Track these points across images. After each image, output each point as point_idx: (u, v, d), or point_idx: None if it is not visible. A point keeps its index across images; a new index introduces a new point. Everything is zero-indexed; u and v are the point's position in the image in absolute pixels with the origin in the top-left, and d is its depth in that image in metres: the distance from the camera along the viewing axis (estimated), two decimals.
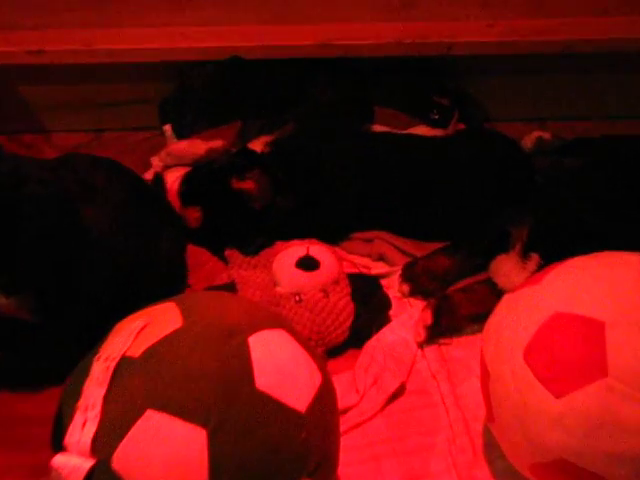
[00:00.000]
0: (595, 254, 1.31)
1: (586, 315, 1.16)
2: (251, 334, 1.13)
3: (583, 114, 2.34)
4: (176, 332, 1.12)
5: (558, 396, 1.14)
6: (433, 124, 2.14)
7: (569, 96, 2.33)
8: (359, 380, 1.55)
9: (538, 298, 1.25)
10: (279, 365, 1.13)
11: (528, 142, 2.16)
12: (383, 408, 1.52)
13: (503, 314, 1.30)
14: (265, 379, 1.09)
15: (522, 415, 1.19)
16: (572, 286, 1.23)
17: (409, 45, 2.13)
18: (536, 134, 2.17)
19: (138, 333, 1.13)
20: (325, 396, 1.17)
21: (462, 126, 2.23)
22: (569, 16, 2.19)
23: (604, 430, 1.11)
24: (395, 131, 2.08)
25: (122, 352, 1.11)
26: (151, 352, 1.10)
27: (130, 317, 1.20)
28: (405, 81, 2.20)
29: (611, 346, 1.12)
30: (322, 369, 1.20)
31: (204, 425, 1.04)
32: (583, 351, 1.14)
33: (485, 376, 1.30)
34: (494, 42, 2.15)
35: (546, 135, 2.18)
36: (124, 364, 1.10)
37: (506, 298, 1.34)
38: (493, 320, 1.32)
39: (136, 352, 1.10)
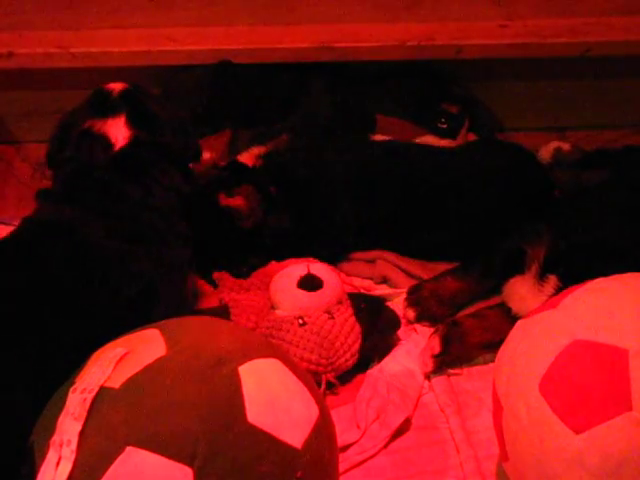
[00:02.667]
0: (618, 276, 1.31)
1: (608, 343, 1.16)
2: (242, 363, 1.13)
3: (605, 123, 2.36)
4: (160, 361, 1.12)
5: (578, 432, 1.14)
6: (441, 134, 2.16)
7: (590, 103, 2.35)
8: (360, 414, 1.56)
9: (555, 324, 1.25)
10: (272, 397, 1.13)
11: (545, 153, 2.18)
12: (387, 445, 1.53)
13: (517, 342, 1.31)
14: (257, 412, 1.09)
15: (538, 453, 1.19)
16: (592, 311, 1.23)
17: (414, 48, 2.14)
18: (554, 145, 2.19)
19: (118, 362, 1.13)
20: (323, 431, 1.17)
21: (472, 136, 2.25)
22: (590, 16, 2.21)
23: (629, 469, 1.11)
24: (399, 142, 2.09)
25: (100, 382, 1.11)
26: (132, 382, 1.10)
27: (108, 345, 1.20)
28: (410, 87, 2.21)
29: (636, 377, 1.12)
30: (319, 401, 1.21)
31: (190, 463, 1.03)
32: (605, 382, 1.14)
33: (498, 410, 1.30)
34: (507, 44, 2.17)
35: (565, 146, 2.20)
36: (103, 395, 1.10)
37: (520, 324, 1.34)
38: (506, 348, 1.33)
39: (116, 382, 1.10)
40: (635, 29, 2.19)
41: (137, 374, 1.11)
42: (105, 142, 1.56)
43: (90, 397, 1.09)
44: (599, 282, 1.31)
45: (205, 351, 1.15)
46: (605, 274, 1.32)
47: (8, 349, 1.25)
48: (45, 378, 1.22)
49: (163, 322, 1.26)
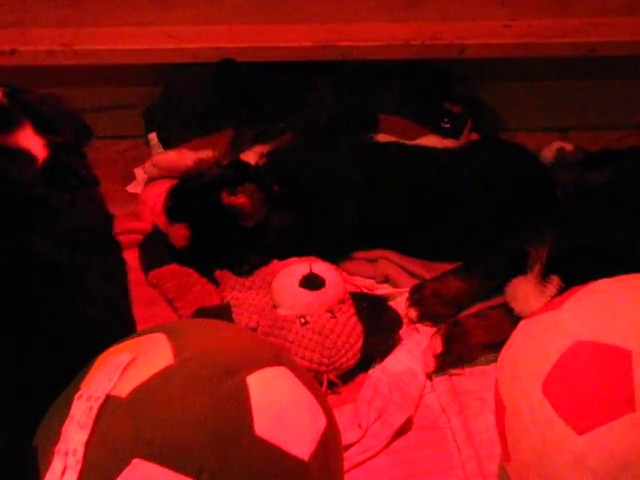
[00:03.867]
0: (621, 276, 1.31)
1: (611, 344, 1.16)
2: (250, 373, 1.12)
3: (609, 123, 2.36)
4: (167, 370, 1.10)
5: (580, 433, 1.14)
6: (444, 134, 2.16)
7: (593, 103, 2.35)
8: (362, 414, 1.56)
9: (558, 325, 1.25)
10: (281, 408, 1.11)
11: (548, 154, 2.18)
12: (388, 445, 1.53)
13: (519, 342, 1.30)
14: (265, 424, 1.08)
15: (541, 454, 1.19)
16: (595, 311, 1.23)
17: (417, 47, 2.15)
18: (557, 145, 2.19)
19: (125, 369, 1.11)
20: (330, 441, 1.17)
21: (476, 136, 2.25)
22: (595, 16, 2.21)
23: (632, 471, 1.11)
24: (402, 141, 2.09)
25: (107, 391, 1.09)
26: (139, 393, 1.08)
27: (113, 348, 1.18)
28: (413, 86, 2.22)
29: (639, 378, 1.12)
30: (326, 410, 1.19)
31: (197, 476, 1.02)
32: (608, 383, 1.14)
33: (500, 411, 1.29)
34: (511, 44, 2.17)
35: (568, 146, 2.20)
36: (109, 405, 1.08)
37: (523, 324, 1.34)
38: (509, 349, 1.32)
39: (122, 391, 1.08)
40: (637, 29, 2.19)
41: (144, 383, 1.09)
42: (26, 155, 1.47)
43: (97, 406, 1.07)
44: (602, 283, 1.31)
45: (213, 360, 1.13)
46: (608, 275, 1.32)
47: None
48: None
49: (169, 325, 1.25)
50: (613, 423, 1.11)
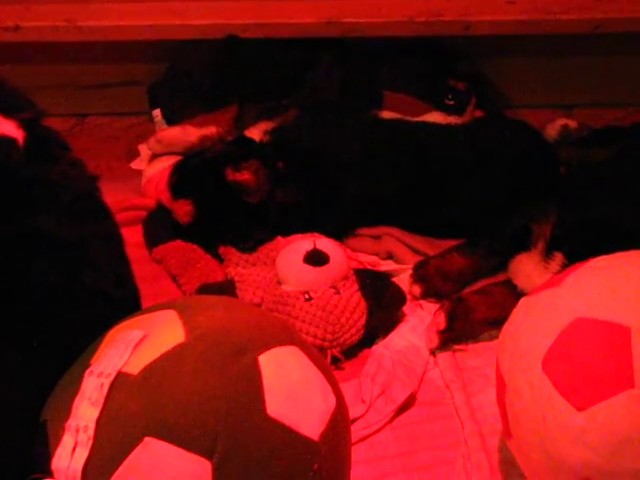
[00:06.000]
0: (621, 253, 1.31)
1: (610, 320, 1.16)
2: (261, 352, 1.11)
3: (613, 100, 2.36)
4: (178, 348, 1.10)
5: (580, 409, 1.14)
6: (448, 110, 2.16)
7: (598, 81, 2.34)
8: (365, 389, 1.57)
9: (558, 302, 1.25)
10: (292, 388, 1.11)
11: (552, 131, 2.18)
12: (392, 420, 1.54)
13: (520, 320, 1.30)
14: (277, 405, 1.08)
15: (541, 430, 1.19)
16: (595, 288, 1.23)
17: (422, 24, 2.14)
18: (561, 122, 2.19)
19: (136, 346, 1.11)
20: (339, 421, 1.17)
21: (480, 113, 2.25)
22: None
23: (631, 446, 1.11)
24: (406, 118, 2.09)
25: (118, 367, 1.08)
26: (151, 370, 1.07)
27: (124, 323, 1.18)
28: (417, 63, 2.21)
29: (638, 354, 1.12)
30: (336, 390, 1.19)
31: (209, 456, 1.02)
32: (607, 360, 1.14)
33: (501, 388, 1.30)
34: (516, 20, 2.16)
35: (572, 123, 2.20)
36: (120, 382, 1.07)
37: (523, 302, 1.34)
38: (509, 326, 1.33)
39: (134, 369, 1.08)
40: None
41: (156, 361, 1.08)
42: (6, 140, 1.41)
43: (108, 382, 1.07)
44: (602, 260, 1.31)
45: (224, 339, 1.12)
46: (611, 251, 1.32)
47: None
48: None
49: (180, 302, 1.24)
50: (612, 399, 1.12)
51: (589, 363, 1.15)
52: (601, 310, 1.18)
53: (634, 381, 1.11)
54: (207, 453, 1.02)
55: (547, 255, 1.64)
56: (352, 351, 1.66)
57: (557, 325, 1.20)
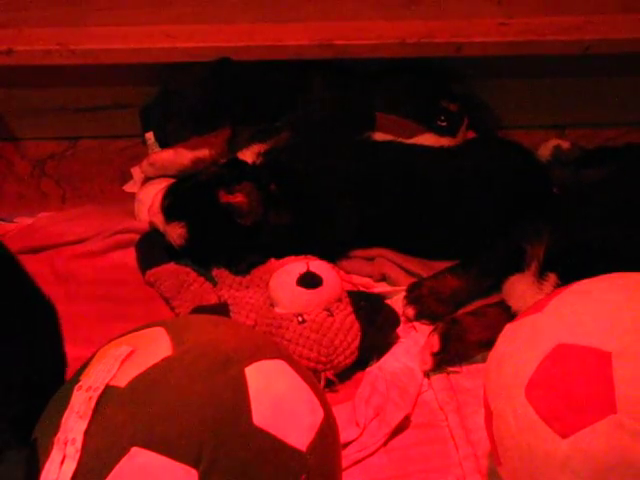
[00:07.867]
0: (604, 276, 1.30)
1: (591, 345, 1.15)
2: (248, 364, 1.13)
3: (605, 121, 2.36)
4: (166, 361, 1.11)
5: (564, 436, 1.13)
6: (440, 132, 2.16)
7: (590, 101, 2.35)
8: (359, 412, 1.56)
9: (540, 328, 1.24)
10: (278, 399, 1.12)
11: (545, 151, 2.18)
12: (386, 443, 1.53)
13: (504, 346, 1.30)
14: (263, 414, 1.09)
15: (528, 459, 1.18)
16: (576, 314, 1.22)
17: (414, 45, 2.15)
18: (554, 142, 2.20)
19: (123, 360, 1.12)
20: (327, 433, 1.17)
21: (472, 134, 2.25)
22: (591, 13, 2.22)
23: (615, 472, 1.11)
24: (399, 140, 2.10)
25: (106, 381, 1.10)
26: (138, 382, 1.09)
27: (113, 342, 1.19)
28: (410, 85, 2.21)
29: (619, 379, 1.11)
30: (324, 404, 1.20)
31: (195, 465, 1.03)
32: (589, 386, 1.13)
33: (488, 415, 1.29)
34: (508, 42, 2.17)
35: (565, 144, 2.20)
36: (108, 394, 1.09)
37: (507, 328, 1.33)
38: (494, 353, 1.32)
39: (122, 381, 1.10)
40: (635, 27, 2.20)
41: (143, 373, 1.10)
42: None
43: (96, 395, 1.08)
44: (584, 283, 1.30)
45: (211, 351, 1.14)
46: (604, 272, 1.31)
47: None
48: None
49: (168, 320, 1.25)
50: (595, 425, 1.11)
51: (571, 390, 1.15)
52: (582, 335, 1.17)
53: (616, 406, 1.11)
54: (193, 462, 1.03)
55: (541, 276, 1.63)
56: (346, 373, 1.65)
57: (539, 352, 1.20)
